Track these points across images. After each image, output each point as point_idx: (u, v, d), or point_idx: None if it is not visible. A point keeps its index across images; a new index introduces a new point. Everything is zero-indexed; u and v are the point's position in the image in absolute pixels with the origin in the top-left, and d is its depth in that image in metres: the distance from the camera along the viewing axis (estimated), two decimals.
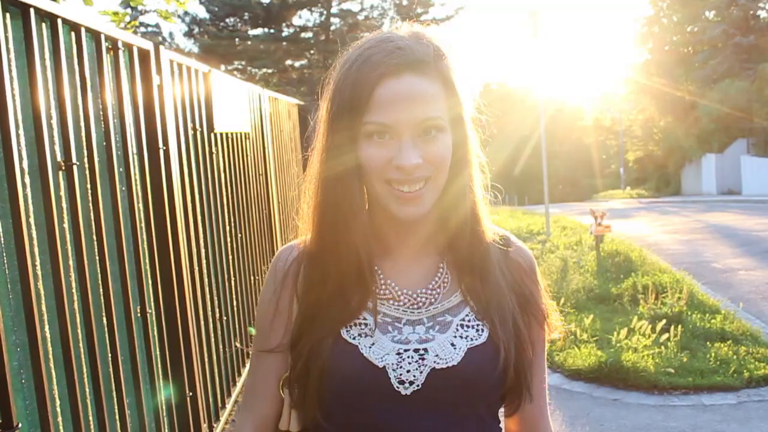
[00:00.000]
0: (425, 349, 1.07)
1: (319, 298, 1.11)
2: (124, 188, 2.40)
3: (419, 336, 1.09)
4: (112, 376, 2.13)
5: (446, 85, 1.06)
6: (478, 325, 1.11)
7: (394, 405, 1.05)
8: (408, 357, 1.06)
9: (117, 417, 2.14)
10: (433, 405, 1.07)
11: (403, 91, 1.02)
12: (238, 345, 3.56)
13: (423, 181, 1.04)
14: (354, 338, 1.08)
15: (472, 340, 1.09)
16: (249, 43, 30.67)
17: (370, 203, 1.13)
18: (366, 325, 1.09)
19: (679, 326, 5.73)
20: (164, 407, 2.66)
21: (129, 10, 3.23)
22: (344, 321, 1.09)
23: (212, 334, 3.40)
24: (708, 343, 5.52)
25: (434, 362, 1.06)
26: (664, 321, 5.72)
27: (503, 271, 1.17)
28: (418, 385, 1.05)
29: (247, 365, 3.55)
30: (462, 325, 1.11)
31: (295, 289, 1.15)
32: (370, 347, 1.07)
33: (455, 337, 1.09)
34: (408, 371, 1.05)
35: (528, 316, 1.17)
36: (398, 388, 1.05)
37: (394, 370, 1.05)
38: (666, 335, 5.53)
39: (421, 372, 1.05)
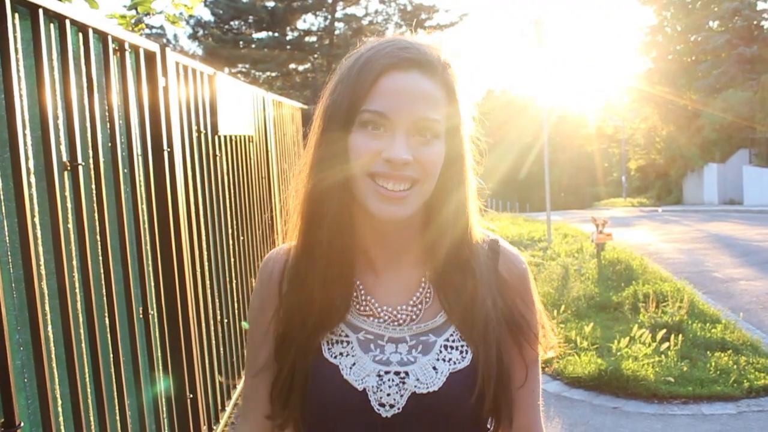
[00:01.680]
0: (406, 373, 1.05)
1: (300, 309, 1.08)
2: (128, 189, 2.41)
3: (401, 357, 1.06)
4: (113, 376, 2.13)
5: (449, 94, 1.06)
6: (462, 346, 1.08)
7: (375, 427, 1.04)
8: (389, 380, 1.04)
9: (118, 417, 2.15)
10: (414, 428, 1.05)
11: (408, 86, 1.01)
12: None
13: (409, 183, 1.01)
14: (335, 357, 1.05)
15: (455, 363, 1.06)
16: (253, 46, 30.73)
17: (355, 214, 1.09)
18: (348, 342, 1.07)
19: (680, 335, 5.73)
20: (165, 408, 2.66)
21: (135, 13, 3.24)
22: (324, 331, 1.07)
23: (213, 337, 3.40)
24: (708, 352, 5.52)
25: (415, 386, 1.04)
26: (664, 330, 5.72)
27: (493, 293, 1.12)
28: (398, 409, 1.04)
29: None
30: (446, 346, 1.08)
31: (280, 300, 1.13)
32: (350, 368, 1.05)
33: (438, 360, 1.06)
34: (388, 394, 1.04)
35: (519, 339, 1.13)
36: (379, 410, 1.03)
37: (374, 392, 1.04)
38: (666, 344, 5.53)
39: (401, 396, 1.04)
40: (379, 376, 1.04)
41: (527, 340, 1.14)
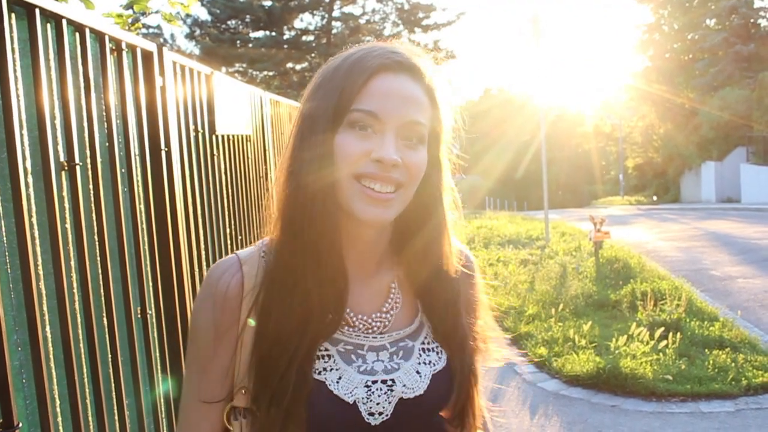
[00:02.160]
0: (393, 380, 1.06)
1: (282, 326, 1.03)
2: (125, 189, 2.40)
3: (384, 365, 1.07)
4: (112, 376, 2.13)
5: (432, 102, 1.06)
6: (436, 347, 1.11)
7: None
8: (377, 389, 1.05)
9: (116, 418, 2.14)
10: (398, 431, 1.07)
11: (398, 88, 1.01)
12: None
13: (395, 186, 1.01)
14: (319, 373, 1.03)
15: (434, 365, 1.09)
16: (250, 45, 30.73)
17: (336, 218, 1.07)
18: (329, 356, 1.05)
19: (678, 333, 5.74)
20: (163, 409, 2.66)
21: (132, 12, 3.23)
22: (321, 341, 1.04)
23: None
24: (706, 350, 5.53)
25: (402, 392, 1.05)
26: (662, 328, 5.73)
27: (460, 294, 1.15)
28: (386, 415, 1.05)
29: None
30: (423, 350, 1.10)
31: (239, 316, 1.06)
32: (337, 382, 1.03)
33: (419, 363, 1.08)
34: (378, 403, 1.04)
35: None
36: (368, 419, 1.04)
37: (364, 403, 1.04)
38: (664, 342, 5.54)
39: (389, 403, 1.05)
40: (367, 386, 1.05)
41: (474, 341, 1.18)
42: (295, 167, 1.04)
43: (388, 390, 1.05)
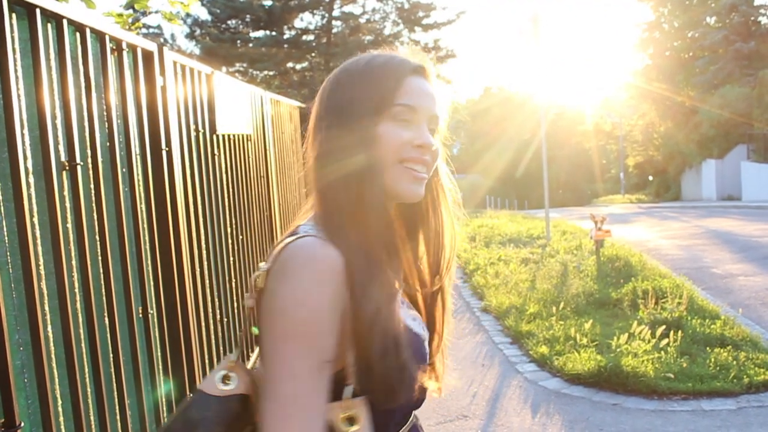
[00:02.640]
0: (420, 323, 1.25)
1: (384, 287, 1.09)
2: (126, 189, 2.40)
3: (409, 310, 1.24)
4: (113, 376, 2.13)
5: (438, 97, 1.23)
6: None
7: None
8: (424, 330, 1.23)
9: (118, 417, 2.15)
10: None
11: (424, 86, 1.19)
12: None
13: (426, 168, 1.18)
14: (406, 320, 1.17)
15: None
16: (250, 45, 30.67)
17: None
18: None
19: (679, 331, 5.73)
20: (165, 408, 2.66)
21: (132, 12, 3.24)
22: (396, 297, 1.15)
23: (213, 336, 3.40)
24: (708, 348, 5.52)
25: (424, 333, 1.24)
26: (663, 326, 5.73)
27: None
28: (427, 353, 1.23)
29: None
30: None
31: (346, 289, 1.05)
32: (414, 323, 1.20)
33: (413, 311, 1.28)
34: (425, 341, 1.22)
35: None
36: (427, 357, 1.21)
37: (425, 341, 1.22)
38: (666, 340, 5.54)
39: (426, 342, 1.23)
40: (422, 328, 1.23)
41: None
42: (333, 152, 1.14)
43: (423, 330, 1.23)
